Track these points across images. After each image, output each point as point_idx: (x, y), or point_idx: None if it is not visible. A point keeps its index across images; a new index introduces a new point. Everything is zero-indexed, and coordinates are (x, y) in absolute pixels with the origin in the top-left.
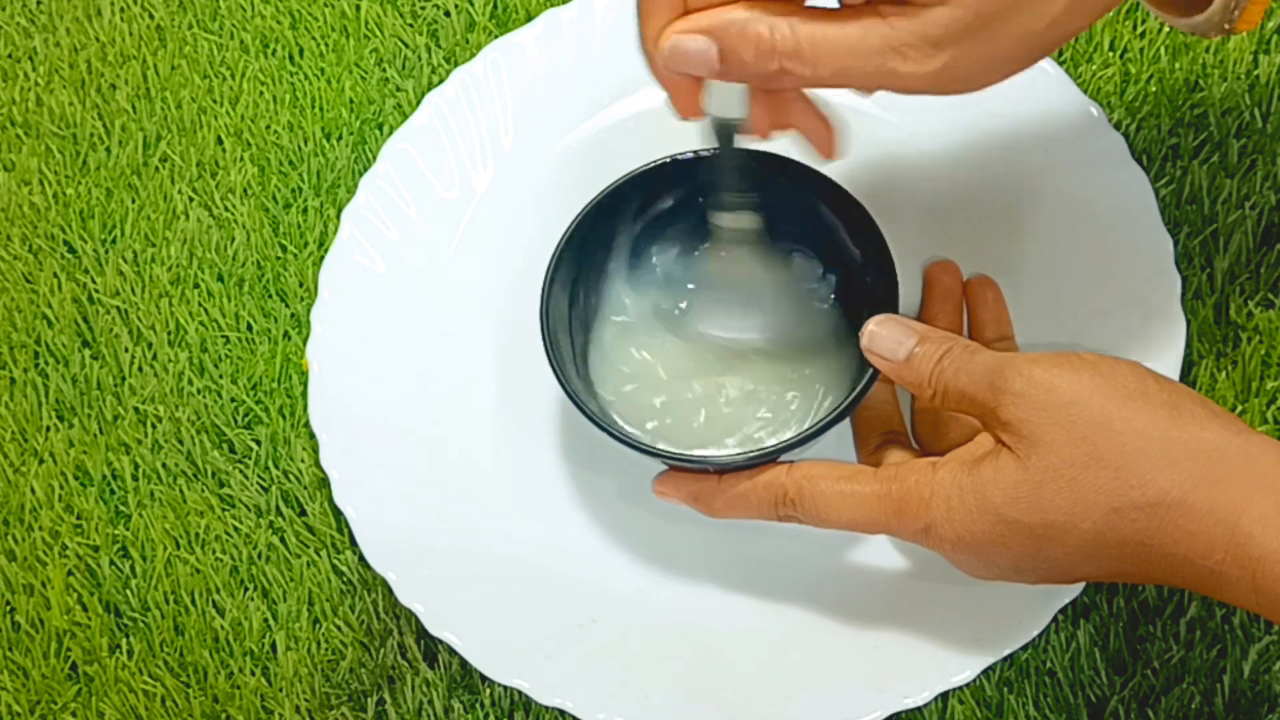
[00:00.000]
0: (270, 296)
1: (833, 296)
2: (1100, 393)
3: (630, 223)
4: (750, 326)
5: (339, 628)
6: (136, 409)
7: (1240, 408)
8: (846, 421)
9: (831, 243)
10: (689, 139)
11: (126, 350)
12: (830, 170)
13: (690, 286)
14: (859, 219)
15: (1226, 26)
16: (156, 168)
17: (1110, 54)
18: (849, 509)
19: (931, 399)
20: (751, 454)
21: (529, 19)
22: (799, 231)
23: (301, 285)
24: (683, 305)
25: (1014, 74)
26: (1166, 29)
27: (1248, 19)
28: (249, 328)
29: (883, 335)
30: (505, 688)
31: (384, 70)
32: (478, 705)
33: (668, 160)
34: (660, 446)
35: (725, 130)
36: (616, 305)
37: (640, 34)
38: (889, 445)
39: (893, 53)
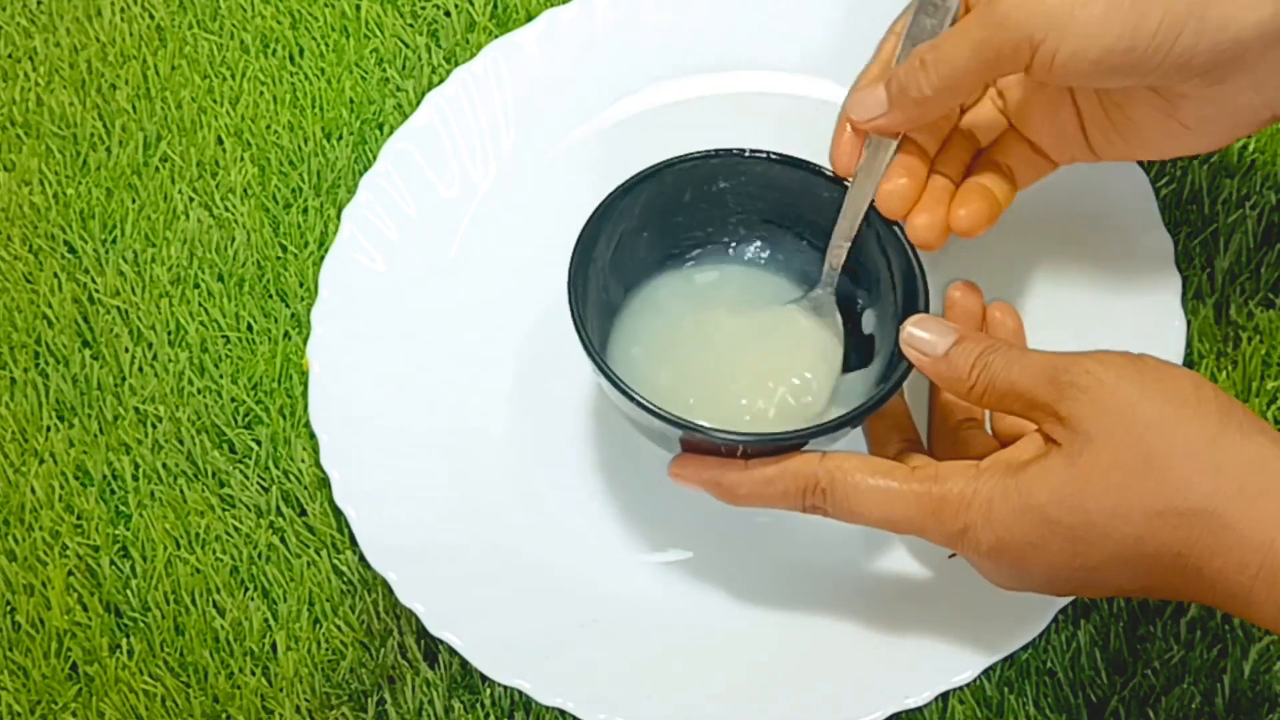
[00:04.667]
0: (271, 296)
1: (860, 303)
2: (1159, 396)
3: (659, 211)
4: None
5: (339, 628)
6: (137, 409)
7: None
8: (859, 432)
9: (860, 250)
10: (687, 140)
11: (127, 350)
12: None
13: (719, 284)
14: (888, 229)
15: None
16: (157, 168)
17: None
18: (883, 505)
19: (969, 392)
20: (782, 435)
21: (529, 19)
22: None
23: (302, 285)
24: (707, 299)
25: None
26: None
27: None
28: (249, 328)
29: (921, 332)
30: (506, 688)
31: (384, 70)
32: (478, 705)
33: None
34: (690, 419)
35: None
36: (641, 287)
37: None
38: (908, 452)
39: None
